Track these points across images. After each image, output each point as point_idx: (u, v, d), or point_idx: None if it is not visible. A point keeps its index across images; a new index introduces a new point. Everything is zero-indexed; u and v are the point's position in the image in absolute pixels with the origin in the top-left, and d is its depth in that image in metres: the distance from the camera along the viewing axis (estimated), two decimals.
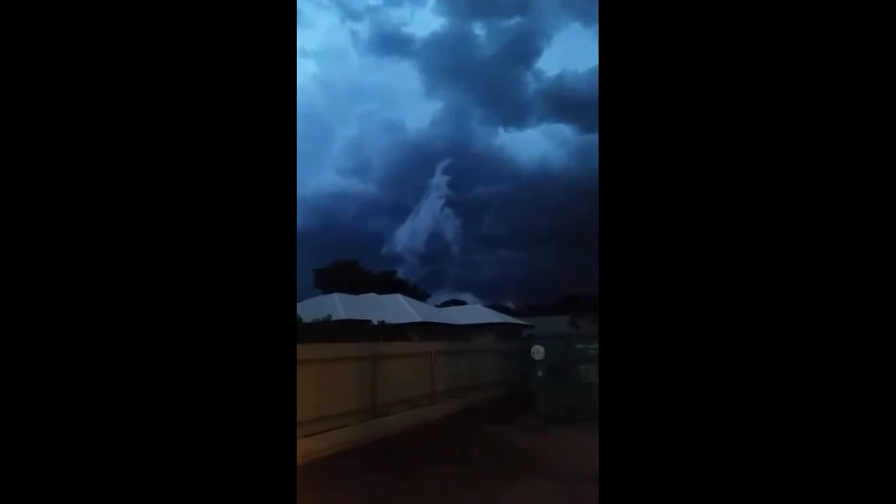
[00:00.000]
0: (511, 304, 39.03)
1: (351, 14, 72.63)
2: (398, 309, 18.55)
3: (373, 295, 21.51)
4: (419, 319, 17.72)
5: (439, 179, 60.81)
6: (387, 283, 31.28)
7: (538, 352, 9.12)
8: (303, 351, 5.11)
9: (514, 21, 74.29)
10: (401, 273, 39.41)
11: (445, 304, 32.15)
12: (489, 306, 26.29)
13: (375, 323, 15.63)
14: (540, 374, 8.99)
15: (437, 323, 18.77)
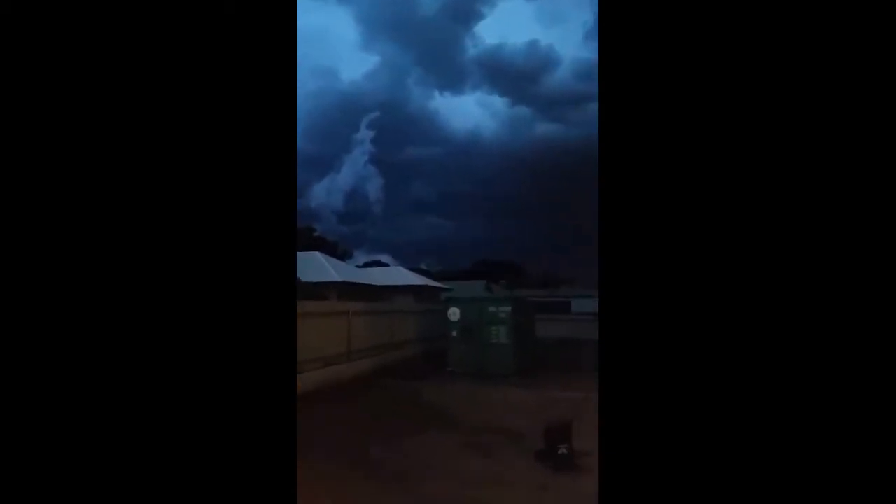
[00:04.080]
0: (432, 268, 39.69)
1: None
2: (317, 267, 18.07)
3: None
4: (338, 279, 17.45)
5: (364, 134, 58.44)
6: (305, 241, 30.15)
7: (454, 314, 9.50)
8: None
9: None
10: (319, 230, 38.07)
11: (366, 265, 31.82)
12: (410, 269, 26.51)
13: None
14: (454, 334, 9.41)
15: (357, 283, 18.62)
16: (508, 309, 9.07)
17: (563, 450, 3.90)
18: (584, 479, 3.64)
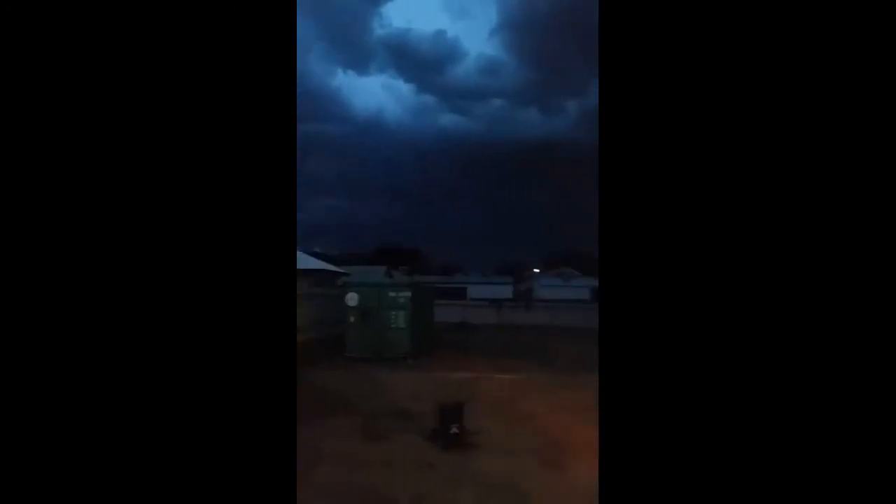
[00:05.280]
0: (328, 251, 38.42)
1: None
2: None
3: None
4: None
5: None
6: None
7: (352, 298, 9.35)
8: None
9: None
10: None
11: None
12: (307, 253, 25.38)
13: None
14: (352, 319, 9.26)
15: None
16: (408, 294, 9.17)
17: (454, 429, 4.08)
18: (472, 457, 3.86)
